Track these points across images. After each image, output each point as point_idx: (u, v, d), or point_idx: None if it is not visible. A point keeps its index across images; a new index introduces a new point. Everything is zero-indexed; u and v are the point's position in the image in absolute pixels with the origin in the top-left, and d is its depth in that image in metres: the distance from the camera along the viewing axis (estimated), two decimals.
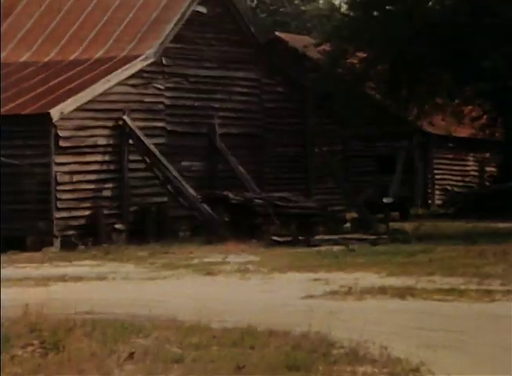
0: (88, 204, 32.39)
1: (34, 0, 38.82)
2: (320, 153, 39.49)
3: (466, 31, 35.66)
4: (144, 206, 32.93)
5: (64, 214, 31.45)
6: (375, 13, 38.65)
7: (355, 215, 32.78)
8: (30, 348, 11.48)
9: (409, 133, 41.79)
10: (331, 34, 41.28)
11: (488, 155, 46.85)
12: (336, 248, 27.40)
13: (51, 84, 33.48)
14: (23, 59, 35.99)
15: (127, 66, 33.99)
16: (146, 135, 33.54)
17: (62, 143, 31.42)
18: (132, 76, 33.96)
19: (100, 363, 10.37)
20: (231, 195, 33.31)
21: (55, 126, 30.96)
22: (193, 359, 10.73)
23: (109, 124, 32.92)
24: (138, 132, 33.19)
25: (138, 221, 32.29)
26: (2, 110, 32.40)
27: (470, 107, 41.08)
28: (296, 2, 73.74)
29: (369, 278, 20.20)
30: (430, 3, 39.67)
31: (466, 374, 10.76)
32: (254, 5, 66.98)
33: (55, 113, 30.94)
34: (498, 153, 45.55)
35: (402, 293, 18.03)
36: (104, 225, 31.75)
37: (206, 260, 24.83)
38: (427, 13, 38.14)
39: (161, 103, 34.80)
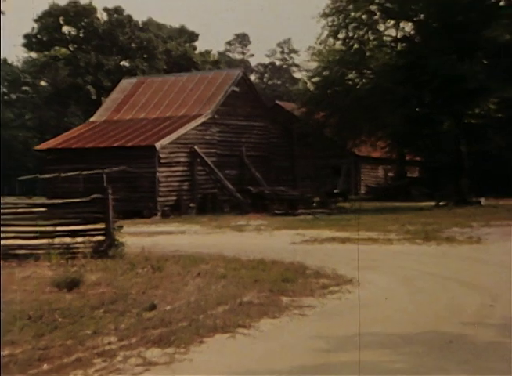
0: (175, 193, 32.61)
1: (146, 86, 38.97)
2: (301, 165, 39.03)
3: (375, 105, 34.72)
4: (205, 194, 33.00)
5: (162, 198, 31.77)
6: (328, 91, 37.79)
7: (318, 198, 32.78)
8: (145, 269, 12.53)
9: (348, 155, 41.31)
10: (305, 102, 40.64)
11: (389, 167, 46.31)
12: (308, 217, 27.59)
13: (156, 129, 33.89)
14: (141, 116, 36.24)
15: (196, 120, 34.30)
16: (206, 156, 33.48)
17: (161, 161, 31.44)
18: (199, 125, 34.36)
19: (182, 278, 11.59)
20: (252, 188, 33.71)
21: (157, 152, 31.01)
22: (231, 276, 11.73)
23: (186, 150, 33.35)
24: (202, 154, 33.34)
25: (202, 202, 32.50)
26: (131, 143, 33.66)
27: (379, 142, 40.36)
28: (286, 85, 72.83)
29: (326, 233, 20.82)
30: (358, 86, 38.29)
31: (377, 283, 10.77)
32: (264, 86, 66.03)
33: (157, 145, 31.19)
34: (394, 165, 44.89)
35: (343, 240, 18.63)
36: (184, 204, 32.13)
37: (238, 223, 25.15)
38: (356, 92, 37.07)
39: (214, 139, 35.01)
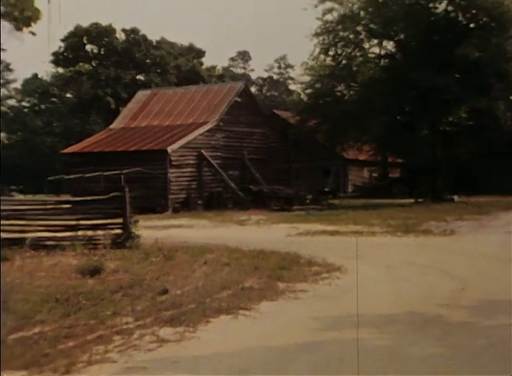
0: (184, 192, 32.47)
1: (159, 97, 38.91)
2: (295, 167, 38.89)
3: (361, 113, 34.64)
4: (211, 192, 32.84)
5: (173, 196, 31.63)
6: (320, 102, 37.67)
7: (311, 196, 32.66)
8: (158, 258, 12.54)
9: (337, 158, 41.18)
10: (300, 111, 40.40)
11: (373, 168, 46.23)
12: (302, 212, 27.35)
13: (168, 135, 33.79)
14: (154, 124, 36.13)
15: (203, 127, 34.14)
16: (212, 158, 33.39)
17: (172, 163, 31.34)
18: (206, 131, 34.26)
19: (190, 266, 11.65)
20: (252, 187, 33.56)
21: (169, 155, 30.91)
22: (234, 264, 11.68)
23: (195, 153, 33.22)
24: (208, 157, 33.21)
25: (208, 199, 32.30)
26: (145, 147, 33.39)
27: (365, 146, 40.26)
28: (283, 96, 72.71)
29: (317, 226, 20.40)
30: (346, 97, 38.18)
31: (363, 270, 10.76)
32: (263, 97, 65.83)
33: (169, 149, 31.12)
34: (378, 167, 44.85)
35: (333, 233, 18.42)
36: (192, 201, 31.95)
37: (240, 218, 24.88)
38: (344, 103, 37.00)
39: (219, 143, 34.87)
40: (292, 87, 72.38)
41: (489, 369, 5.65)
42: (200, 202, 32.40)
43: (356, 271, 10.90)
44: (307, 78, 40.38)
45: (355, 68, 37.15)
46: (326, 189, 37.30)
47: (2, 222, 14.01)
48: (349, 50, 36.95)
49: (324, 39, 36.18)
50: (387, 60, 37.26)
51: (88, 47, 55.16)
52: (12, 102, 61.59)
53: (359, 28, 36.15)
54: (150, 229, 17.85)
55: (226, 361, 5.91)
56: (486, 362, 5.90)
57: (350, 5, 35.61)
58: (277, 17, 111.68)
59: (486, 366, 5.77)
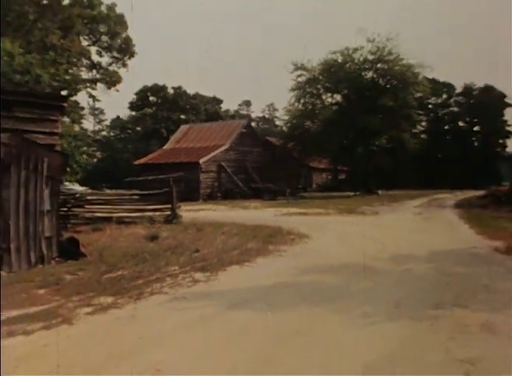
0: (209, 188, 32.19)
1: (194, 129, 38.80)
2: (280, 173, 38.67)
3: (321, 140, 34.55)
4: (226, 189, 32.59)
5: (202, 191, 31.47)
6: (295, 132, 37.64)
7: (289, 190, 32.54)
8: (193, 230, 12.41)
9: (306, 166, 40.98)
10: (282, 138, 40.15)
11: (329, 173, 46.09)
12: (283, 201, 27.05)
13: (199, 152, 33.57)
14: (191, 146, 35.87)
15: (221, 147, 33.95)
16: (227, 167, 33.18)
17: (202, 170, 31.24)
18: (223, 150, 33.93)
19: (213, 235, 11.40)
20: (252, 185, 33.20)
21: (200, 165, 30.82)
22: (241, 234, 11.36)
23: (216, 164, 32.84)
24: (225, 166, 33.00)
25: (224, 193, 31.96)
26: (185, 160, 32.03)
27: (323, 159, 40.24)
28: (272, 128, 72.45)
29: (293, 210, 19.74)
30: (312, 129, 38.09)
31: (321, 237, 10.65)
32: (259, 129, 65.49)
33: (200, 161, 31.06)
34: (331, 172, 44.59)
35: (303, 214, 17.85)
36: (214, 194, 31.68)
37: (244, 204, 24.55)
38: (310, 133, 36.89)
39: (231, 158, 34.50)
40: (277, 122, 72.23)
41: (398, 295, 5.60)
42: (219, 195, 31.84)
43: (318, 237, 10.90)
44: (286, 117, 40.45)
45: (317, 111, 37.35)
46: (299, 186, 36.91)
47: (98, 206, 14.05)
48: (313, 100, 37.12)
49: (297, 93, 36.39)
50: (337, 107, 37.23)
51: (151, 98, 55.22)
52: (104, 133, 62.27)
53: (319, 86, 36.23)
54: (188, 212, 17.72)
55: (237, 293, 5.84)
56: (397, 290, 5.88)
57: (313, 72, 35.41)
58: (268, 78, 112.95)
59: (397, 293, 5.72)
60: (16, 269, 6.95)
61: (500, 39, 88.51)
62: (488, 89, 47.90)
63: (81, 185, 28.88)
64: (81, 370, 3.55)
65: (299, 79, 35.86)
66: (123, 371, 3.51)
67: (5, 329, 4.37)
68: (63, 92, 21.75)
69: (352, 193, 32.21)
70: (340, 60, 34.87)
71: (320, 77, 35.47)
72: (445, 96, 50.71)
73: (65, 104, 8.21)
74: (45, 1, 24.14)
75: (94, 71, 32.57)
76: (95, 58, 32.64)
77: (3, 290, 5.64)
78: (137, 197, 14.87)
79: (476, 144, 49.66)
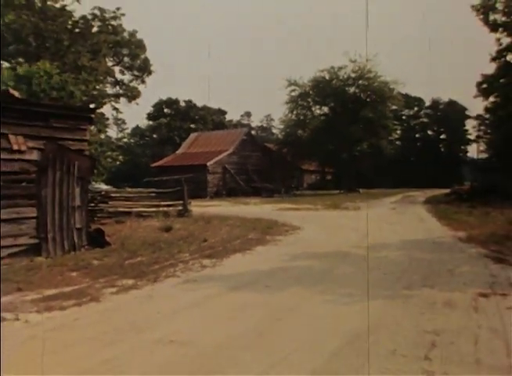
0: (215, 187, 31.88)
1: (202, 136, 38.21)
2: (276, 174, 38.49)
3: (311, 145, 34.43)
4: (230, 187, 32.43)
5: (210, 189, 31.16)
6: (289, 139, 37.55)
7: (284, 189, 32.49)
8: (201, 222, 12.30)
9: (298, 169, 40.52)
10: (278, 144, 40.12)
11: (317, 174, 45.78)
12: (279, 198, 26.93)
13: (207, 156, 33.21)
14: (200, 151, 35.56)
15: (226, 152, 33.64)
16: (230, 169, 33.11)
17: (209, 171, 31.20)
18: (227, 154, 33.60)
19: (219, 226, 11.39)
20: (252, 184, 33.01)
21: (207, 167, 30.78)
22: (242, 226, 11.40)
23: (221, 166, 32.58)
24: (228, 168, 32.89)
25: (228, 191, 31.79)
26: (195, 163, 31.54)
27: (313, 162, 40.15)
28: (269, 136, 72.23)
29: (288, 205, 19.56)
30: (303, 137, 37.87)
31: (310, 228, 10.69)
32: (258, 136, 65.35)
33: (208, 164, 30.92)
34: (320, 173, 44.41)
35: (295, 209, 17.61)
36: (220, 192, 31.43)
37: (245, 201, 24.45)
38: (302, 140, 36.82)
39: (234, 161, 34.17)
40: (274, 131, 71.95)
41: (375, 277, 5.54)
42: (224, 193, 31.34)
43: (308, 229, 10.90)
44: (282, 126, 40.41)
45: (307, 121, 37.12)
46: (292, 186, 36.77)
47: (120, 202, 14.03)
48: (304, 111, 36.72)
49: (290, 105, 36.25)
50: (324, 117, 36.78)
51: (165, 110, 55.20)
52: (125, 140, 62.43)
53: (309, 100, 35.57)
54: (197, 207, 17.69)
55: (239, 276, 5.81)
56: (375, 273, 5.83)
57: (304, 87, 35.16)
58: (267, 93, 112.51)
59: (374, 276, 5.65)
60: (52, 255, 7.08)
61: (461, 57, 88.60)
62: (452, 103, 48.40)
63: (106, 184, 28.58)
64: (108, 338, 3.62)
65: (292, 93, 35.61)
66: (144, 339, 3.60)
67: (44, 305, 4.49)
68: (91, 105, 22.10)
69: (337, 192, 31.98)
70: (327, 77, 34.77)
71: (310, 92, 35.32)
72: (416, 109, 50.94)
73: (93, 115, 8.31)
74: (77, 30, 25.68)
75: (117, 87, 32.79)
76: (118, 76, 33.03)
77: (43, 272, 5.75)
78: (153, 194, 14.79)
79: (442, 150, 50.64)
